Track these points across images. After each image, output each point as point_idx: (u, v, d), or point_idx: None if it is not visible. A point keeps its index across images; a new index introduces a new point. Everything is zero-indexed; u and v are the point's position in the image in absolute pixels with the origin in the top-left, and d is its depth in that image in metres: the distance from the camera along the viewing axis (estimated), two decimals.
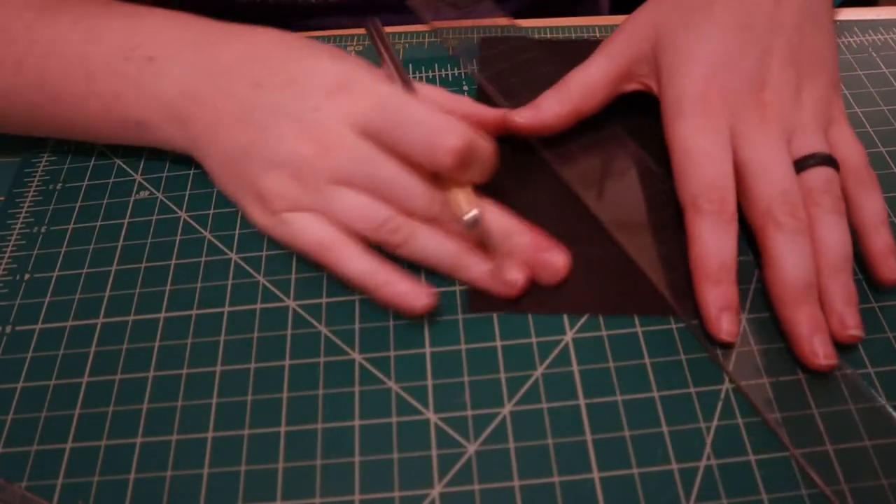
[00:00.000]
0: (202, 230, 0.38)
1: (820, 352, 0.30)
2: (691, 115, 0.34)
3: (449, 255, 0.33)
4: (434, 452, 0.30)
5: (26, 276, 0.37)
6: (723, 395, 0.30)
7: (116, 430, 0.31)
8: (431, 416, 0.31)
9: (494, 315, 0.33)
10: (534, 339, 0.32)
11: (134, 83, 0.36)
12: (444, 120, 0.32)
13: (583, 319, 0.33)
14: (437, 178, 0.33)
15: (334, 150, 0.32)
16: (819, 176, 0.33)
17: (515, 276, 0.33)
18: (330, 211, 0.33)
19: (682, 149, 0.34)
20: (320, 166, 0.33)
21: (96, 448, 0.31)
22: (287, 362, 0.32)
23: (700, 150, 0.33)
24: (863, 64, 0.44)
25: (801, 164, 0.33)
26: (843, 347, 0.31)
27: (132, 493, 0.29)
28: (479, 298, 0.34)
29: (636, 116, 0.39)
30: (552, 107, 0.37)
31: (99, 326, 0.34)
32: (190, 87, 0.35)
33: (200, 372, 0.32)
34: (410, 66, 0.45)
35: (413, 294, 0.32)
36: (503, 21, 0.47)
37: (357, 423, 0.31)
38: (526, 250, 0.33)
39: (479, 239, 0.33)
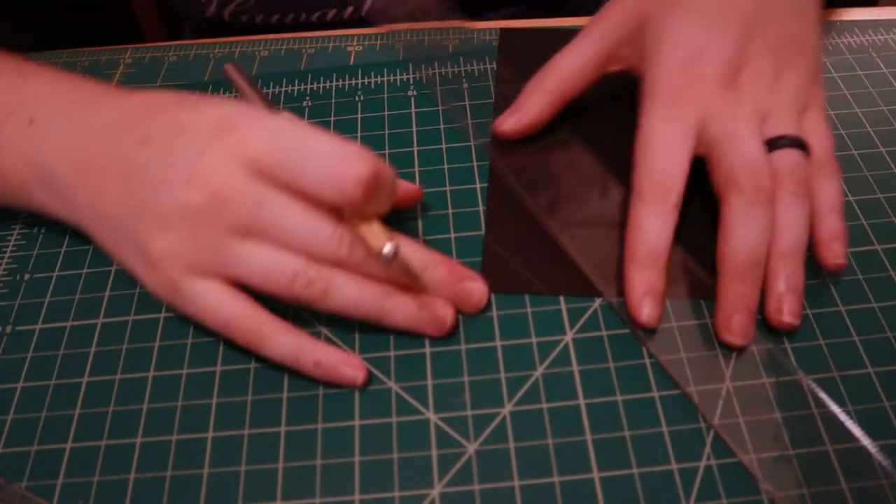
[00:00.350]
0: None
1: (734, 328, 0.30)
2: (662, 103, 0.34)
3: (370, 301, 0.31)
4: (434, 452, 0.30)
5: (26, 276, 0.37)
6: (723, 395, 0.30)
7: (116, 430, 0.31)
8: (431, 416, 0.31)
9: (495, 315, 0.33)
10: (534, 339, 0.32)
11: (10, 145, 0.34)
12: (345, 147, 0.29)
13: (583, 319, 0.33)
14: (339, 215, 0.30)
15: (227, 197, 0.29)
16: (786, 157, 0.33)
17: (444, 312, 0.32)
18: (231, 271, 0.30)
19: (644, 136, 0.34)
20: (214, 217, 0.30)
21: (96, 448, 0.31)
22: None
23: (659, 140, 0.34)
24: (863, 64, 0.44)
25: (771, 145, 0.33)
26: (842, 348, 0.31)
27: (132, 493, 0.29)
28: (488, 280, 0.34)
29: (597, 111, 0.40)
30: (535, 104, 0.38)
31: (99, 326, 0.34)
32: (71, 153, 0.33)
33: (200, 372, 0.32)
34: (410, 66, 0.45)
35: (348, 368, 0.31)
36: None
37: (357, 423, 0.30)
38: (445, 281, 0.32)
39: (397, 274, 0.31)
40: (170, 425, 0.31)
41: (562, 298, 0.34)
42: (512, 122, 0.38)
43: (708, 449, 0.29)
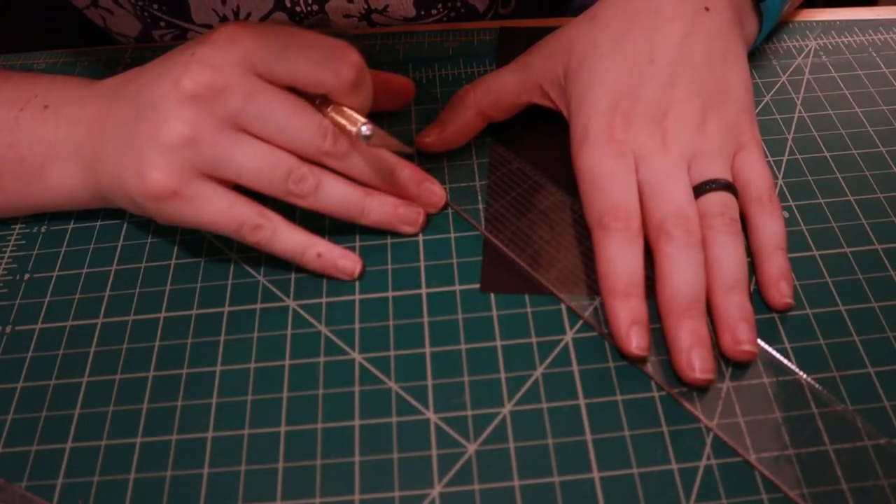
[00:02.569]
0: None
1: (696, 366, 0.30)
2: (596, 142, 0.34)
3: (355, 200, 0.34)
4: (434, 452, 0.30)
5: (26, 276, 0.37)
6: (723, 394, 0.30)
7: (116, 430, 0.31)
8: (431, 416, 0.31)
9: (494, 315, 0.33)
10: (534, 339, 0.32)
11: (28, 129, 0.35)
12: (335, 40, 0.32)
13: (583, 319, 0.33)
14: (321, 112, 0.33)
15: (220, 87, 0.31)
16: (715, 200, 0.33)
17: (417, 210, 0.36)
18: (227, 169, 0.32)
19: (588, 173, 0.34)
20: (208, 107, 0.31)
21: (96, 448, 0.31)
22: (287, 362, 0.32)
23: (604, 174, 0.34)
24: (863, 64, 0.44)
25: (700, 189, 0.33)
26: (842, 348, 0.31)
27: (132, 493, 0.29)
28: (489, 280, 0.34)
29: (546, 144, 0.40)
30: (454, 118, 0.39)
31: (99, 326, 0.34)
32: (80, 120, 0.35)
33: (200, 372, 0.32)
34: (410, 65, 0.45)
35: (347, 261, 0.35)
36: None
37: (357, 423, 0.30)
38: (412, 178, 0.36)
39: (377, 158, 0.34)
40: (170, 425, 0.31)
41: (562, 298, 0.34)
42: (433, 134, 0.39)
43: (708, 449, 0.29)
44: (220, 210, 0.32)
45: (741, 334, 0.30)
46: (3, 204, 0.37)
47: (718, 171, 0.34)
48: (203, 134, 0.31)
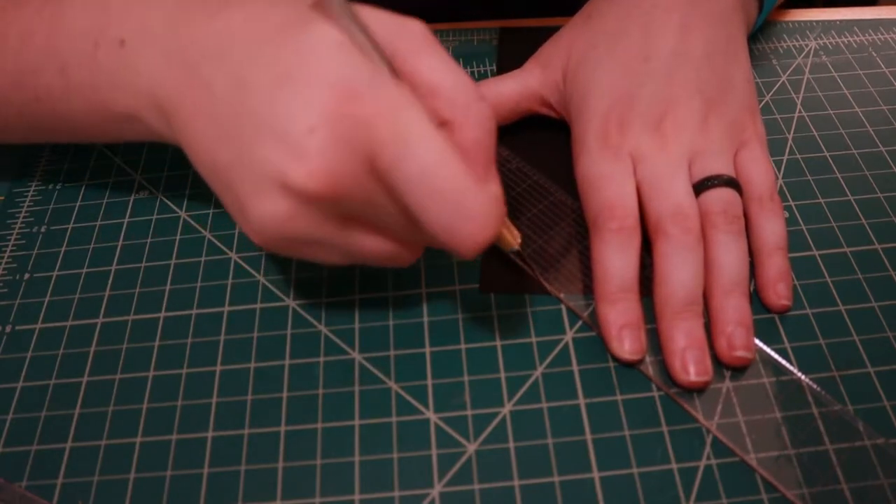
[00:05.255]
0: (202, 230, 0.38)
1: (691, 369, 0.30)
2: (593, 149, 0.34)
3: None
4: (434, 452, 0.30)
5: (26, 276, 0.37)
6: (723, 394, 0.30)
7: (116, 429, 0.31)
8: (431, 416, 0.31)
9: (494, 315, 0.33)
10: (534, 339, 0.32)
11: (108, 73, 0.31)
12: (475, 196, 0.25)
13: (581, 319, 0.33)
14: None
15: (333, 189, 0.25)
16: (717, 197, 0.33)
17: None
18: (338, 249, 0.29)
19: (585, 178, 0.34)
20: (318, 205, 0.26)
21: (96, 448, 0.31)
22: (287, 362, 0.32)
23: (600, 176, 0.34)
24: (863, 64, 0.44)
25: (702, 186, 0.33)
26: (842, 348, 0.31)
27: (132, 492, 0.29)
28: (489, 280, 0.34)
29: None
30: None
31: (99, 326, 0.34)
32: (164, 79, 0.29)
33: (200, 372, 0.32)
34: None
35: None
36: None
37: (357, 422, 0.30)
38: None
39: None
40: (170, 425, 0.31)
41: (562, 298, 0.34)
42: None
43: (708, 449, 0.29)
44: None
45: (736, 339, 0.30)
46: (95, 138, 0.36)
47: (721, 168, 0.34)
48: (306, 220, 0.27)
